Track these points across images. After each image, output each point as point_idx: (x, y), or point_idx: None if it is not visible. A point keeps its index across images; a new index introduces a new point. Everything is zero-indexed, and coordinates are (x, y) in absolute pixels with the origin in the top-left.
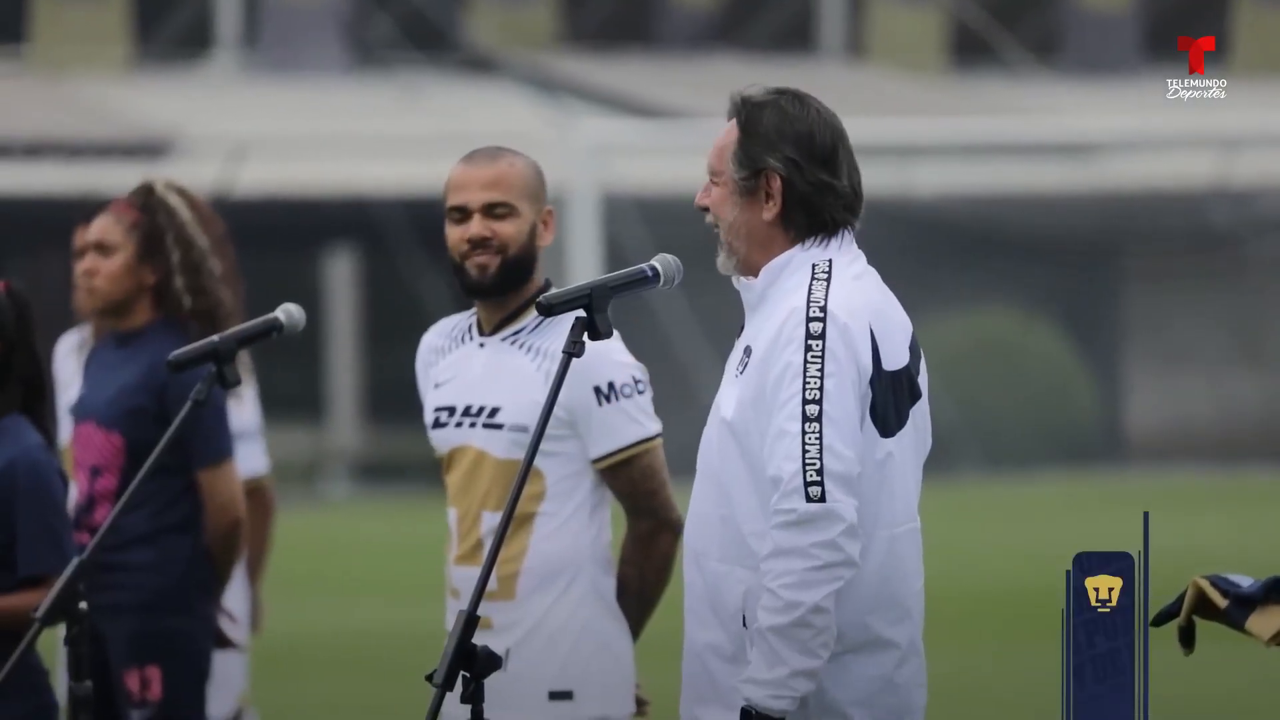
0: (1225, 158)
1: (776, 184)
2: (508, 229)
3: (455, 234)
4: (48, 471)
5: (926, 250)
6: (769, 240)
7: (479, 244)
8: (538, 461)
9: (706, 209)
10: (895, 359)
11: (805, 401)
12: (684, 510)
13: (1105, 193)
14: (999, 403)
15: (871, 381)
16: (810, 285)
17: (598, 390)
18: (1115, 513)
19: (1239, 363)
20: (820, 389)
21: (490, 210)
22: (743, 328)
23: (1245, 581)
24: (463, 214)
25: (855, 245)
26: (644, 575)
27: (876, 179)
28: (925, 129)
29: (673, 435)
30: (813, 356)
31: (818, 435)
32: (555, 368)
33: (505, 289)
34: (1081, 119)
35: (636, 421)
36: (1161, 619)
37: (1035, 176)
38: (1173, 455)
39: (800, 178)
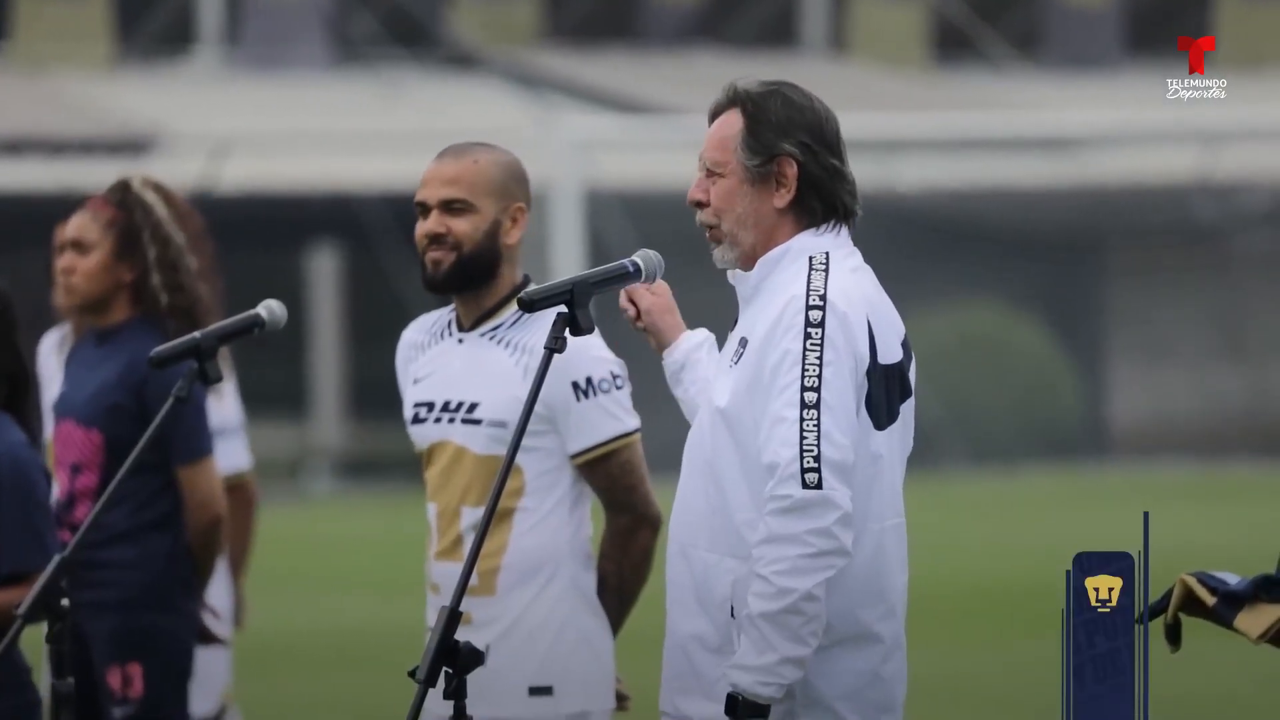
0: (1209, 152)
1: (792, 170)
2: (463, 226)
3: (418, 229)
4: (31, 469)
5: (910, 245)
6: (777, 228)
7: (434, 240)
8: (516, 457)
9: (701, 204)
10: (890, 353)
11: (804, 389)
12: (664, 505)
13: (1089, 187)
14: (983, 397)
15: (868, 372)
16: (809, 275)
17: (576, 386)
18: (1100, 507)
19: (1223, 357)
20: (819, 377)
21: (447, 206)
22: (735, 321)
23: (1233, 579)
24: (424, 210)
25: (850, 241)
26: (623, 570)
27: (859, 174)
28: (908, 124)
29: (655, 432)
30: (812, 344)
31: (815, 423)
32: (534, 363)
33: (460, 285)
34: (1064, 114)
35: (615, 417)
36: (1150, 615)
37: (1018, 171)
38: (1157, 450)
39: (815, 163)
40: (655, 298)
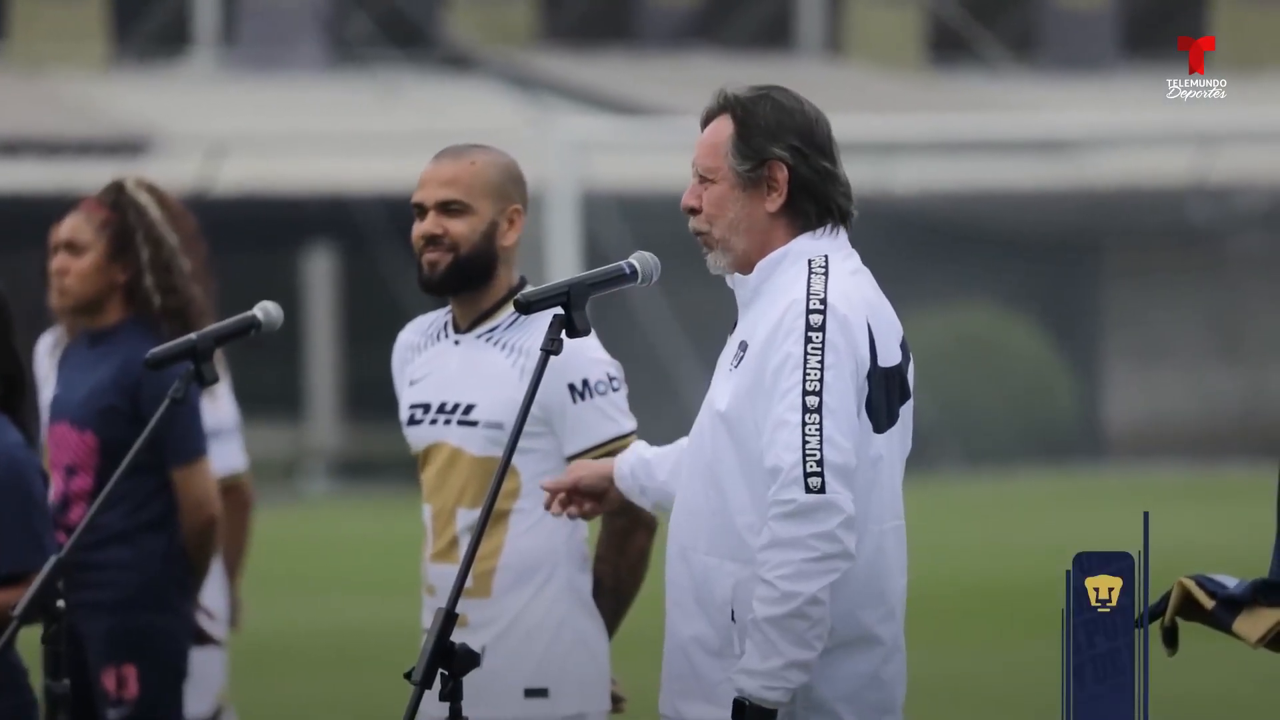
0: (1204, 154)
1: (783, 174)
2: (460, 227)
3: (414, 230)
4: (27, 469)
5: (906, 247)
6: (770, 232)
7: (431, 240)
8: (513, 458)
9: (694, 210)
10: (889, 356)
11: (805, 392)
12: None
13: (1084, 189)
14: (979, 399)
15: (868, 375)
16: (809, 278)
17: (572, 387)
18: (1097, 509)
19: (1218, 358)
20: (820, 380)
21: (444, 207)
22: (735, 325)
23: (1231, 582)
24: (420, 211)
25: (849, 244)
26: (619, 572)
27: (856, 175)
28: (904, 126)
29: (652, 433)
30: (813, 348)
31: (818, 426)
32: (530, 364)
33: (456, 286)
34: (1060, 115)
35: (611, 419)
36: (1148, 618)
37: (1014, 173)
38: (1153, 451)
39: (806, 165)
40: (572, 472)
